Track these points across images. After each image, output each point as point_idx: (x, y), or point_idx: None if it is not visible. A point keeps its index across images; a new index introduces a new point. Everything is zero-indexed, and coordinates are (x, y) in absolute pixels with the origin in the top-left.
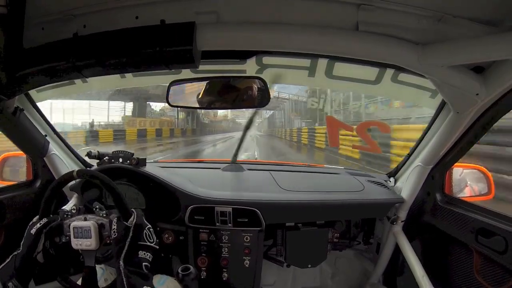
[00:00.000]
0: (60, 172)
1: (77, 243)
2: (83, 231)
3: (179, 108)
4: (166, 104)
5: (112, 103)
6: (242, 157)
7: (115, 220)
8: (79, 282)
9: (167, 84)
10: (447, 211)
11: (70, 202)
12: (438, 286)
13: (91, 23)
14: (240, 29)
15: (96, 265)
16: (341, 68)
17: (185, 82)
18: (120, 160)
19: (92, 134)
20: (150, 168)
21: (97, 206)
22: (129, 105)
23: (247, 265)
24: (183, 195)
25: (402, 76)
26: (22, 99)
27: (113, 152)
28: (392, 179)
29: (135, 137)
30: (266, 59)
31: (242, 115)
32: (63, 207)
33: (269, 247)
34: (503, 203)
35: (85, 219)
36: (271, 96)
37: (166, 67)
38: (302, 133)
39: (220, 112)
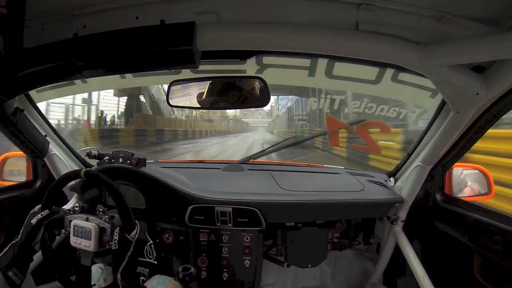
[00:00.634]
0: (60, 172)
1: (76, 242)
2: (84, 231)
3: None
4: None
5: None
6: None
7: (117, 230)
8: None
9: (167, 85)
10: (447, 211)
11: (71, 201)
12: (438, 286)
13: (91, 24)
14: (240, 29)
15: (95, 264)
16: (341, 68)
17: (186, 82)
18: (120, 160)
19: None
20: (150, 168)
21: (100, 209)
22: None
23: (247, 265)
24: (183, 195)
25: (402, 76)
26: (22, 99)
27: (113, 152)
28: (392, 179)
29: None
30: (266, 59)
31: (251, 114)
32: (63, 206)
33: (269, 247)
34: None
35: (87, 219)
36: None
37: (166, 67)
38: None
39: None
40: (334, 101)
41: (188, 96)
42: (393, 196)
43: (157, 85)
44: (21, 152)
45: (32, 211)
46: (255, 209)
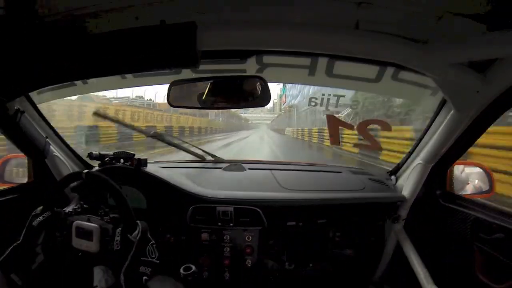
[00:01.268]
0: (61, 174)
1: (78, 243)
2: (86, 232)
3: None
4: None
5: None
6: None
7: (118, 231)
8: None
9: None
10: (448, 208)
11: (72, 203)
12: (440, 284)
13: (91, 24)
14: (240, 29)
15: (96, 266)
16: (341, 67)
17: (186, 82)
18: (121, 160)
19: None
20: (151, 169)
21: (102, 210)
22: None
23: (249, 265)
24: (184, 195)
25: (403, 74)
26: (22, 101)
27: (114, 152)
28: (393, 177)
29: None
30: (266, 58)
31: (252, 109)
32: (65, 208)
33: (270, 246)
34: None
35: (89, 220)
36: None
37: (166, 68)
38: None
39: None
40: None
41: (189, 96)
42: (394, 194)
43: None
44: (22, 154)
45: (33, 213)
46: (257, 209)
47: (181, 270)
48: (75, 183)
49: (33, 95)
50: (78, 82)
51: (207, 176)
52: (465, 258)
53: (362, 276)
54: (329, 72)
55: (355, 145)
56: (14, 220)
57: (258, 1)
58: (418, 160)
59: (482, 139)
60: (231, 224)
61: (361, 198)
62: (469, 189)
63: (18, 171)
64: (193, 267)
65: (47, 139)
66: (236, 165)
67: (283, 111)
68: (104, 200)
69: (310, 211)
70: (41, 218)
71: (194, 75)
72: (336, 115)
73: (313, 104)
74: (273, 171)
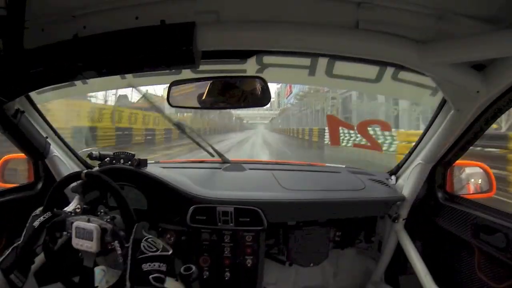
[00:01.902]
0: (61, 174)
1: (78, 243)
2: (86, 232)
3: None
4: None
5: None
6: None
7: (123, 236)
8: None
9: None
10: (448, 208)
11: (72, 203)
12: (440, 284)
13: (91, 24)
14: (240, 29)
15: (97, 266)
16: (341, 67)
17: (186, 82)
18: (122, 161)
19: None
20: (151, 169)
21: (101, 210)
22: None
23: (249, 265)
24: (184, 195)
25: (403, 74)
26: (22, 101)
27: (114, 153)
28: (393, 177)
29: None
30: (267, 59)
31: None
32: (65, 209)
33: (271, 246)
34: None
35: (88, 221)
36: None
37: (166, 68)
38: None
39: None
40: None
41: (189, 96)
42: (395, 194)
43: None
44: (22, 154)
45: (33, 214)
46: (257, 209)
47: (181, 270)
48: (75, 183)
49: (33, 95)
50: (78, 82)
51: (207, 176)
52: (465, 258)
53: (362, 275)
54: (329, 72)
55: (355, 145)
56: (14, 220)
57: (258, 1)
58: (418, 160)
59: None
60: (232, 224)
61: (361, 198)
62: (469, 189)
63: (18, 171)
64: (193, 267)
65: (47, 139)
66: (236, 165)
67: (282, 110)
68: (105, 201)
69: (311, 211)
70: (41, 218)
71: (194, 75)
72: None
73: None
74: (273, 171)
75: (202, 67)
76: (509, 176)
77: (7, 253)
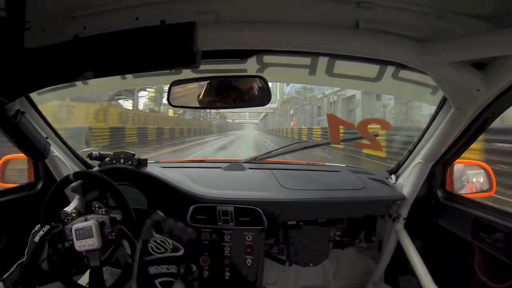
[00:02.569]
0: (61, 174)
1: (80, 245)
2: (85, 231)
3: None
4: None
5: None
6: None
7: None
8: (80, 281)
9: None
10: (448, 208)
11: (72, 203)
12: (440, 284)
13: (92, 25)
14: (240, 29)
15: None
16: (341, 66)
17: (187, 82)
18: (121, 161)
19: None
20: (151, 169)
21: (96, 205)
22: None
23: (249, 264)
24: (184, 195)
25: (403, 73)
26: (23, 101)
27: (114, 153)
28: (393, 176)
29: None
30: (267, 58)
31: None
32: (64, 209)
33: (271, 245)
34: None
35: (86, 220)
36: None
37: (167, 68)
38: None
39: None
40: None
41: (189, 96)
42: (394, 193)
43: None
44: (23, 154)
45: (33, 231)
46: (257, 208)
47: (182, 270)
48: (75, 183)
49: (33, 95)
50: (78, 83)
51: (207, 176)
52: (465, 258)
53: (362, 275)
54: (329, 72)
55: (355, 144)
56: (14, 220)
57: (258, 1)
58: (418, 159)
59: None
60: (232, 224)
61: (361, 197)
62: (469, 188)
63: (19, 171)
64: (194, 267)
65: (47, 140)
66: (236, 164)
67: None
68: (105, 200)
69: (311, 210)
70: (41, 233)
71: (194, 75)
72: None
73: None
74: (273, 170)
75: (202, 67)
76: None
77: (11, 270)
